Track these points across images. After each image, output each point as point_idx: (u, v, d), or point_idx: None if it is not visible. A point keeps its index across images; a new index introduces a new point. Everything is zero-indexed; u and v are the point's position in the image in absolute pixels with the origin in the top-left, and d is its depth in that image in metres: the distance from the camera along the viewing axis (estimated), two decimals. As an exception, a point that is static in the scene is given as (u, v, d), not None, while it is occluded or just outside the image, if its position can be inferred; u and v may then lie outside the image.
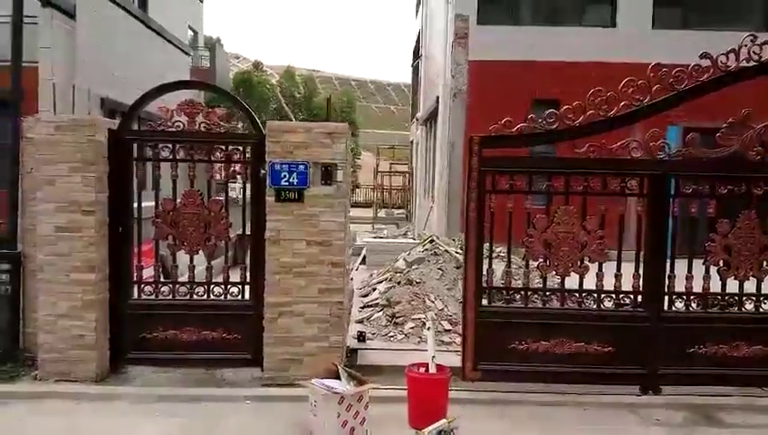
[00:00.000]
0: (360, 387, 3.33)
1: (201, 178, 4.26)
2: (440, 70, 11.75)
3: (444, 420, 3.18)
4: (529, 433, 3.51)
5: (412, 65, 18.36)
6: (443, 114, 10.98)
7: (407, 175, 21.73)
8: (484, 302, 3.99)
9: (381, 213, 22.25)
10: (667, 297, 3.99)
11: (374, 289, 6.14)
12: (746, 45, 3.85)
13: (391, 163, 25.49)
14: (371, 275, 7.12)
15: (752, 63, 3.87)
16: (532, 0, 10.72)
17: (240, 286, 4.17)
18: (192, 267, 4.15)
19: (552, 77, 9.82)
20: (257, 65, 37.08)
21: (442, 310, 5.43)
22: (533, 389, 3.97)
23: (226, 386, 4.12)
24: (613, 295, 4.02)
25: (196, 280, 4.15)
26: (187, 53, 14.33)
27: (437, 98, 11.64)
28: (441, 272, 6.07)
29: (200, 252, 4.15)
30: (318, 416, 3.27)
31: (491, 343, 3.95)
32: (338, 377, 3.50)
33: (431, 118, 13.22)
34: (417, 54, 17.43)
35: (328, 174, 3.92)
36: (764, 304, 4.03)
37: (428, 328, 3.62)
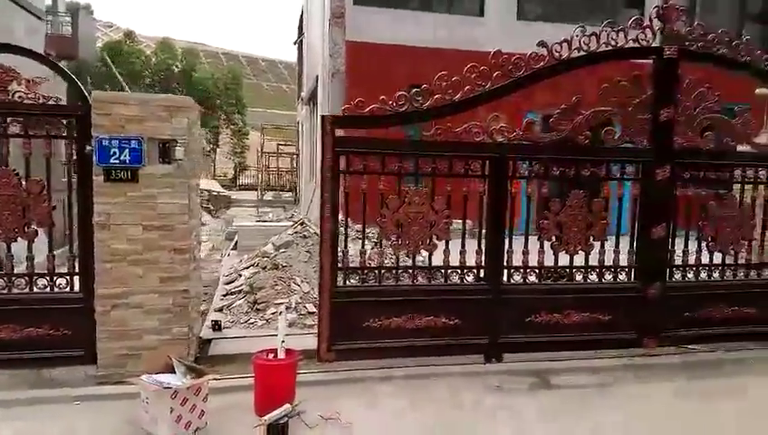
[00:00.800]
0: (198, 379, 3.15)
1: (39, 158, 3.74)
2: (320, 49, 11.54)
3: (287, 405, 3.12)
4: (380, 407, 3.57)
5: (295, 43, 17.86)
6: (322, 94, 10.83)
7: (294, 156, 21.30)
8: (340, 282, 3.97)
9: (269, 196, 21.61)
10: (506, 271, 4.25)
11: (240, 275, 5.90)
12: (577, 36, 4.15)
13: (278, 144, 24.80)
14: (241, 261, 6.86)
15: (582, 53, 4.19)
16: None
17: (68, 277, 3.76)
18: (31, 257, 3.68)
19: (427, 62, 10.06)
20: (129, 34, 34.04)
21: (308, 293, 5.37)
22: (387, 364, 4.06)
23: (57, 387, 3.72)
24: (459, 271, 4.20)
25: (30, 271, 3.68)
26: (39, 18, 12.62)
27: (317, 78, 11.45)
28: (309, 255, 5.99)
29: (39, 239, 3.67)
30: (149, 412, 3.05)
31: (346, 322, 3.95)
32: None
33: (313, 98, 12.99)
34: (301, 31, 16.99)
35: (166, 151, 3.62)
36: (591, 275, 4.45)
37: (281, 312, 3.53)
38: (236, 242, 8.34)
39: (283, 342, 3.41)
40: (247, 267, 5.95)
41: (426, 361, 4.15)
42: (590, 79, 4.35)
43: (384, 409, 3.55)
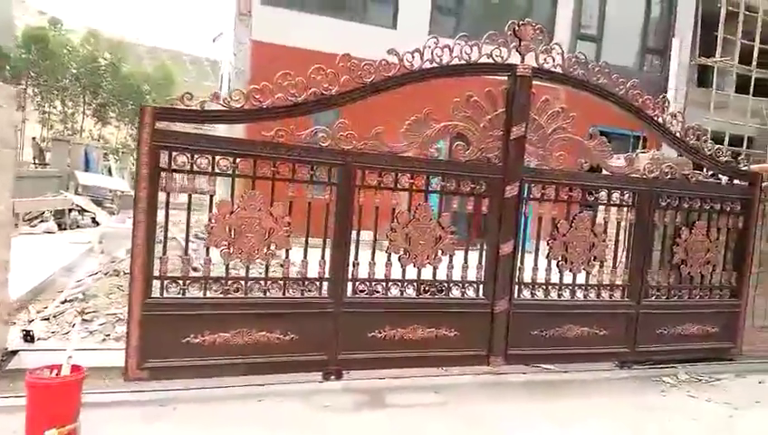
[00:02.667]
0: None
1: None
2: (229, 47, 11.14)
3: (53, 430, 2.74)
4: (180, 429, 3.25)
5: (214, 40, 17.26)
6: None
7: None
8: (156, 292, 3.62)
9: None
10: (350, 283, 4.07)
11: (83, 282, 5.39)
12: (430, 47, 4.09)
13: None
14: (100, 265, 6.31)
15: (434, 65, 4.12)
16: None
17: None
18: None
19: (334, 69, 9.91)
20: (55, 23, 31.95)
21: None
22: (211, 384, 3.75)
23: None
24: (300, 283, 3.97)
25: None
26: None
27: (221, 76, 11.04)
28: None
29: None
30: None
31: (162, 337, 3.60)
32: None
33: (222, 97, 12.51)
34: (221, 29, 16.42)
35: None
36: (429, 288, 4.35)
37: (74, 325, 3.14)
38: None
39: (70, 357, 3.02)
40: (96, 273, 5.45)
41: (258, 379, 3.88)
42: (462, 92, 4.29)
43: (183, 430, 3.23)
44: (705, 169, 5.20)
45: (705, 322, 5.16)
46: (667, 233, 5.01)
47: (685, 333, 5.09)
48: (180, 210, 3.96)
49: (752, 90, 13.35)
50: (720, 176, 5.31)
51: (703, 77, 14.40)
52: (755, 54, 13.16)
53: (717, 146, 5.10)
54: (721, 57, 12.91)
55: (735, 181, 5.25)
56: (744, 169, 5.23)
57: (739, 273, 5.32)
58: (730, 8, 12.72)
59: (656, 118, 4.79)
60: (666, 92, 13.29)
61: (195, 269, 4.07)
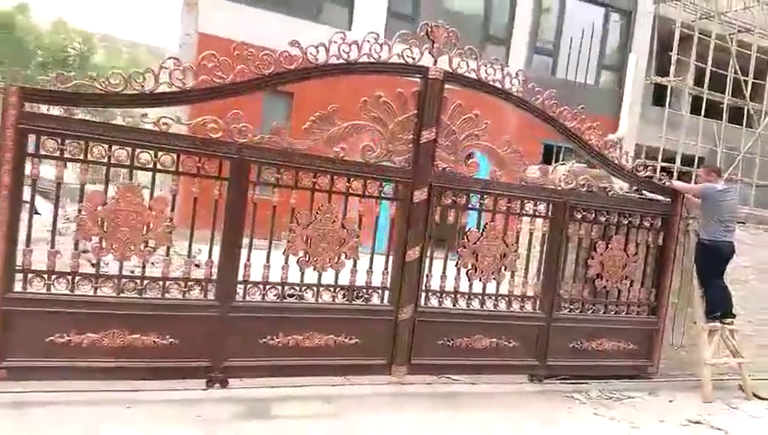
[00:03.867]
0: None
1: None
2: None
3: None
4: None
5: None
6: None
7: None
8: (18, 287, 3.35)
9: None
10: (241, 286, 3.86)
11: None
12: (336, 42, 3.93)
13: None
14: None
15: (341, 61, 3.97)
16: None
17: None
18: None
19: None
20: (23, 9, 31.03)
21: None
22: (80, 387, 3.48)
23: None
24: (182, 283, 3.74)
25: None
26: None
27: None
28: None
29: None
30: None
31: (23, 335, 3.33)
32: None
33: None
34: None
35: None
36: (330, 292, 4.18)
37: None
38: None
39: None
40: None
41: (136, 385, 3.62)
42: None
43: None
44: (632, 185, 5.17)
45: (621, 338, 5.10)
46: (581, 246, 4.94)
47: (600, 348, 5.01)
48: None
49: (703, 111, 13.62)
50: (645, 192, 5.28)
51: (660, 96, 14.66)
52: (707, 76, 13.44)
53: (639, 161, 5.06)
54: (675, 78, 13.14)
55: (658, 197, 5.23)
56: (664, 184, 5.21)
57: (658, 290, 5.28)
58: (684, 30, 12.97)
59: (573, 130, 4.72)
60: (620, 109, 13.50)
61: (93, 265, 3.82)
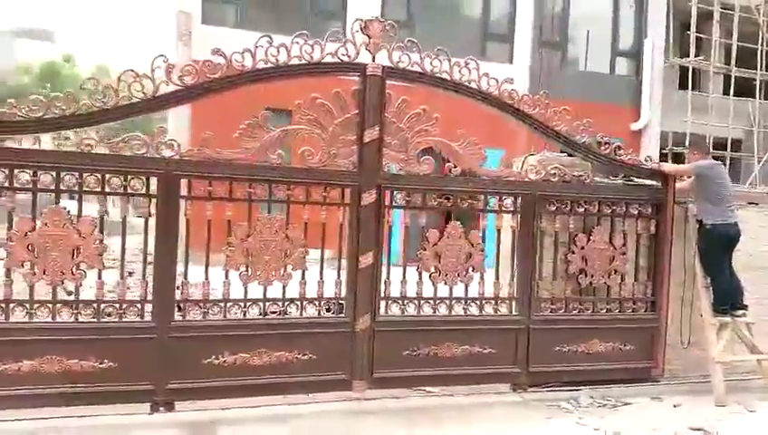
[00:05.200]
0: None
1: None
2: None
3: None
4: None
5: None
6: (173, 114, 10.33)
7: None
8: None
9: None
10: (179, 305, 3.74)
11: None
12: (262, 46, 3.81)
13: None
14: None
15: (269, 65, 3.83)
16: (260, 5, 10.63)
17: None
18: None
19: (285, 87, 9.75)
20: (67, 58, 33.18)
21: None
22: (14, 415, 3.43)
23: None
24: (117, 305, 3.65)
25: None
26: None
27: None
28: None
29: None
30: None
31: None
32: None
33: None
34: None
35: None
36: (291, 308, 4.00)
37: None
38: None
39: None
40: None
41: (79, 411, 3.55)
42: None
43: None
44: (612, 170, 4.76)
45: (616, 339, 4.64)
46: (559, 240, 4.55)
47: (591, 351, 4.58)
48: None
49: (732, 90, 12.68)
50: (634, 178, 4.84)
51: (688, 79, 13.78)
52: (734, 53, 12.55)
53: (616, 144, 4.64)
54: (696, 57, 12.33)
55: (646, 182, 4.78)
56: (649, 167, 4.75)
57: (655, 283, 4.80)
58: (702, 6, 12.18)
59: (536, 117, 4.38)
60: (640, 96, 12.77)
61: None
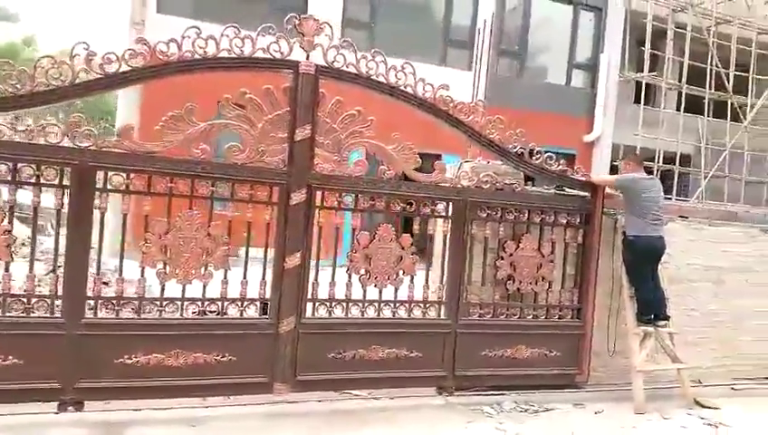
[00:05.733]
0: None
1: None
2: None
3: None
4: None
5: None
6: (122, 100, 10.07)
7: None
8: None
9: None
10: (91, 302, 3.60)
11: None
12: (190, 37, 3.71)
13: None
14: None
15: (196, 57, 3.74)
16: (219, -4, 10.44)
17: None
18: None
19: (239, 80, 9.58)
20: (28, 42, 31.76)
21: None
22: None
23: None
24: (24, 300, 3.49)
25: None
26: None
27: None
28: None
29: None
30: None
31: None
32: None
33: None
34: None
35: None
36: (198, 306, 3.91)
37: None
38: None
39: None
40: None
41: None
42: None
43: None
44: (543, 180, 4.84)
45: (541, 345, 4.72)
46: (488, 247, 4.60)
47: (517, 356, 4.65)
48: None
49: (682, 106, 13.15)
50: (566, 188, 4.93)
51: (644, 94, 14.17)
52: (685, 71, 13.02)
53: (548, 154, 4.72)
54: (649, 73, 12.73)
55: (576, 192, 4.88)
56: (580, 178, 4.86)
57: (582, 292, 4.91)
58: (658, 24, 12.58)
59: (470, 124, 4.41)
60: (595, 108, 13.10)
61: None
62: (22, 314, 3.47)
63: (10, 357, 3.39)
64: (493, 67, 11.92)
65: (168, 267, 3.71)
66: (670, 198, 11.99)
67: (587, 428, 4.17)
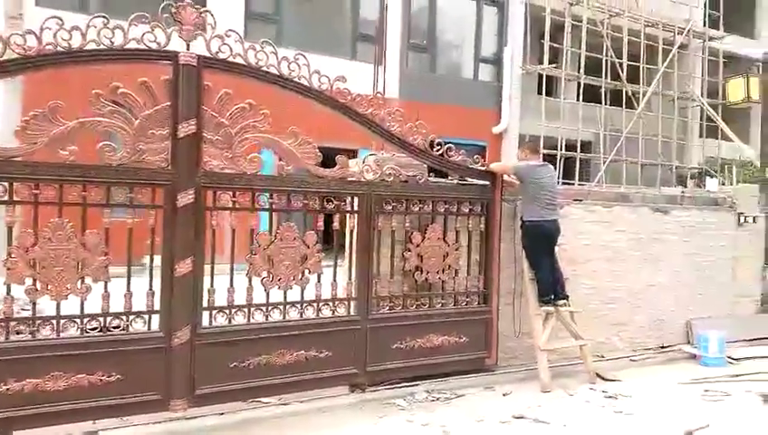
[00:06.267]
0: None
1: None
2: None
3: None
4: None
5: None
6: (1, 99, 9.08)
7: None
8: None
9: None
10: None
11: None
12: (51, 29, 3.34)
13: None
14: None
15: (60, 49, 3.38)
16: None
17: None
18: None
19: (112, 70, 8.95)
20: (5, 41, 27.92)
21: None
22: None
23: None
24: None
25: None
26: None
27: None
28: None
29: None
30: None
31: None
32: None
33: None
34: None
35: None
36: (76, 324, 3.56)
37: None
38: None
39: None
40: None
41: None
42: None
43: None
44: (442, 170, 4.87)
45: (451, 332, 4.77)
46: (395, 239, 4.57)
47: (428, 345, 4.66)
48: None
49: (581, 96, 13.94)
50: (467, 178, 4.99)
51: (546, 85, 14.84)
52: (582, 62, 13.79)
53: (448, 145, 4.76)
54: (549, 65, 13.35)
55: (476, 182, 4.96)
56: (479, 168, 4.94)
57: (486, 278, 5.01)
58: (556, 18, 13.22)
59: (369, 117, 4.34)
60: (501, 100, 13.55)
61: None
62: None
63: None
64: (403, 62, 11.97)
65: (36, 283, 3.33)
66: (573, 183, 12.81)
67: (494, 410, 4.25)
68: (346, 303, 4.38)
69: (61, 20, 3.38)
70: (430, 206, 4.69)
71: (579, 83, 14.05)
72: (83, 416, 3.50)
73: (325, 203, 4.27)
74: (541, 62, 13.75)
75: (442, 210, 4.75)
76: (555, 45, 13.49)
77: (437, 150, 4.66)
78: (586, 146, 14.81)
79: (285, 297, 4.14)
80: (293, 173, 4.10)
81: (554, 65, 13.53)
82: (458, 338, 4.80)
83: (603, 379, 5.15)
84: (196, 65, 3.70)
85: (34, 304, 3.39)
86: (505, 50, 13.30)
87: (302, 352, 4.12)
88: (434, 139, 4.63)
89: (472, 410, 4.26)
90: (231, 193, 3.92)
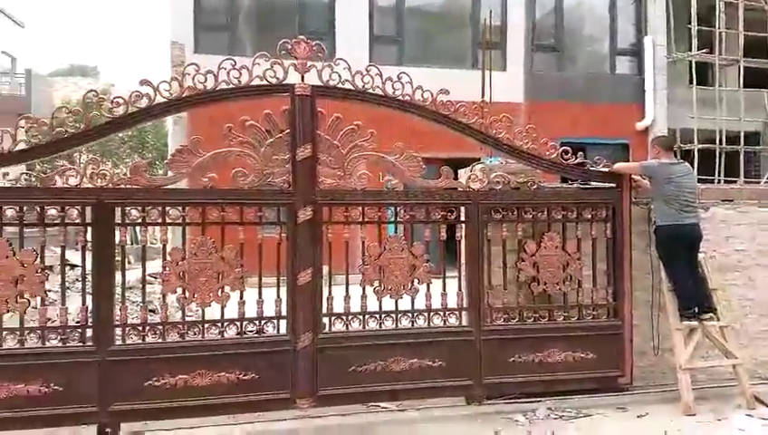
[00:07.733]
0: None
1: None
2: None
3: None
4: None
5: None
6: (171, 138, 10.74)
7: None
8: None
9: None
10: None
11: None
12: (190, 74, 3.93)
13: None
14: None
15: (194, 93, 3.95)
16: (251, 31, 10.93)
17: None
18: None
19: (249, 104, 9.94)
20: (105, 92, 34.31)
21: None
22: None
23: None
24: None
25: None
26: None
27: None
28: None
29: None
30: None
31: None
32: None
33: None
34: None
35: None
36: (218, 327, 4.03)
37: None
38: None
39: None
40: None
41: None
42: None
43: None
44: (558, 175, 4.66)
45: (576, 347, 4.48)
46: (508, 248, 4.46)
47: (549, 360, 4.43)
48: None
49: (741, 82, 12.19)
50: (591, 181, 4.71)
51: (703, 74, 13.25)
52: (741, 42, 12.08)
53: (563, 148, 4.54)
54: (700, 51, 11.92)
55: (600, 185, 4.65)
56: (600, 169, 4.62)
57: (617, 289, 4.63)
58: (703, -2, 11.81)
59: (474, 126, 4.33)
60: (644, 93, 12.40)
61: None
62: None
63: None
64: (527, 64, 11.62)
65: (187, 293, 3.90)
66: (736, 180, 11.17)
67: (624, 432, 3.90)
68: (457, 313, 4.38)
69: (197, 66, 3.96)
70: (545, 213, 4.50)
71: (739, 67, 12.33)
72: (223, 411, 3.98)
73: (432, 214, 4.34)
74: (690, 49, 12.34)
75: (559, 217, 4.53)
76: (705, 28, 12.03)
77: (549, 154, 4.47)
78: (751, 137, 12.89)
79: (396, 306, 4.28)
80: (399, 187, 4.26)
81: (706, 50, 12.05)
82: (584, 354, 4.50)
83: (763, 403, 4.44)
84: (309, 95, 4.06)
85: (184, 309, 3.96)
86: (645, 39, 12.22)
87: (416, 360, 4.21)
88: (545, 142, 4.46)
89: (597, 431, 3.97)
90: (344, 208, 4.19)
